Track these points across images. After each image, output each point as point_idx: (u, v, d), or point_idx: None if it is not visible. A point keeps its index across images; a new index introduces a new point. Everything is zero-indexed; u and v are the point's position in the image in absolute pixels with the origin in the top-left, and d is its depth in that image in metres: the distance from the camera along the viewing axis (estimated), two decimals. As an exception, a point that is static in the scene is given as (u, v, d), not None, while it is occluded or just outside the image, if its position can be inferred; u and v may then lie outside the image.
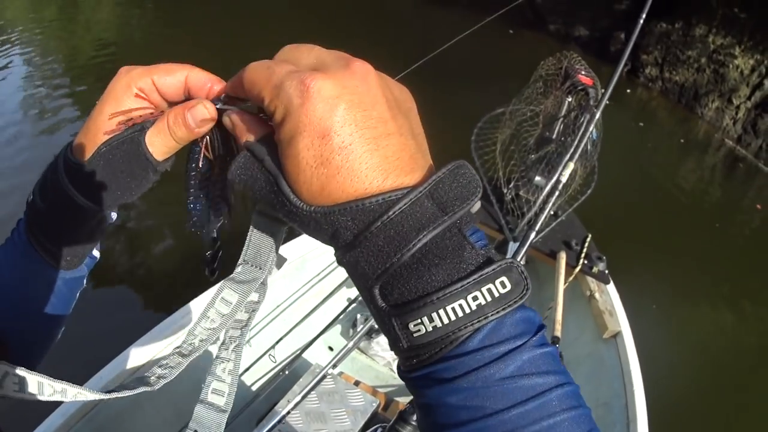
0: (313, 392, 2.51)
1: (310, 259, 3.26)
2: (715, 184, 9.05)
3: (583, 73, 3.10)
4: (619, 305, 3.18)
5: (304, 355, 2.89)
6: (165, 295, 4.51)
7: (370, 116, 0.44)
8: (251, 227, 0.59)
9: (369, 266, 0.44)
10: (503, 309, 0.42)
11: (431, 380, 0.44)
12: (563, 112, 3.17)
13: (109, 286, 4.57)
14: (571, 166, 2.66)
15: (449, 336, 0.42)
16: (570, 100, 3.15)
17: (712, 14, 10.76)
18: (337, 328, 3.42)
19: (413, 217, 0.43)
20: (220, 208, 0.65)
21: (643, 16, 2.71)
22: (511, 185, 3.27)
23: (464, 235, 0.44)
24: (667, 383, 4.08)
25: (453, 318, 0.41)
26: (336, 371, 2.70)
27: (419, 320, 0.42)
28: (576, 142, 2.68)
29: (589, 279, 3.30)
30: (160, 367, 0.61)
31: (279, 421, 2.38)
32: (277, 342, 2.94)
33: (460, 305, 0.41)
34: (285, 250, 3.10)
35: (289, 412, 2.41)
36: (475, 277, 0.42)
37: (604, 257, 3.31)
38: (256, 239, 0.59)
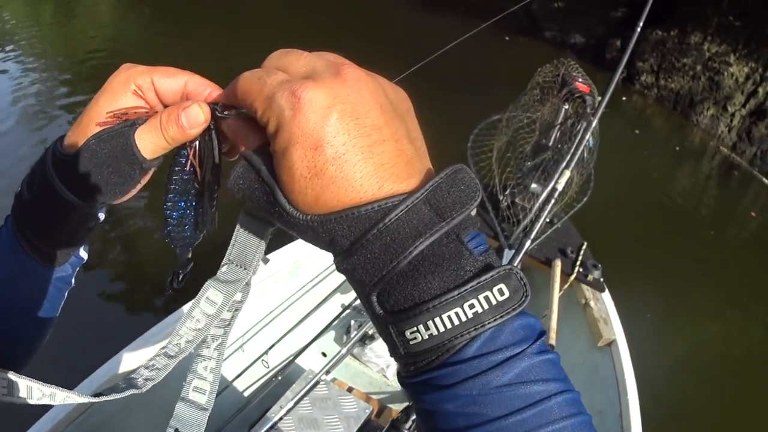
0: (306, 398, 2.51)
1: (303, 264, 3.25)
2: (710, 191, 9.08)
3: (580, 80, 3.10)
4: (614, 313, 3.18)
5: (298, 360, 2.88)
6: (157, 300, 4.50)
7: (363, 124, 0.44)
8: (237, 227, 0.58)
9: (366, 274, 0.44)
10: (501, 317, 0.41)
11: (429, 387, 0.43)
12: (560, 119, 3.17)
13: (101, 291, 4.56)
14: (567, 173, 2.65)
15: (445, 344, 0.41)
16: (567, 107, 3.15)
17: (708, 22, 10.81)
18: (331, 334, 3.41)
19: (409, 224, 0.42)
20: (198, 221, 0.64)
21: (641, 24, 2.71)
22: (507, 192, 3.27)
23: (462, 241, 0.43)
24: (661, 392, 4.08)
25: (449, 326, 0.41)
26: (329, 377, 2.69)
27: (415, 328, 0.42)
28: (572, 150, 2.67)
29: (584, 287, 3.29)
30: (147, 369, 0.60)
31: (271, 427, 2.37)
32: (270, 347, 2.92)
33: (456, 313, 0.41)
34: (279, 255, 3.09)
35: (281, 418, 2.41)
36: (472, 284, 0.41)
37: (600, 265, 3.31)
38: (242, 239, 0.58)
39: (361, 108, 0.44)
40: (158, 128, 0.57)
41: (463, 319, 0.41)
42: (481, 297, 0.41)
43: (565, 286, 3.19)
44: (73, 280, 0.77)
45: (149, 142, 0.58)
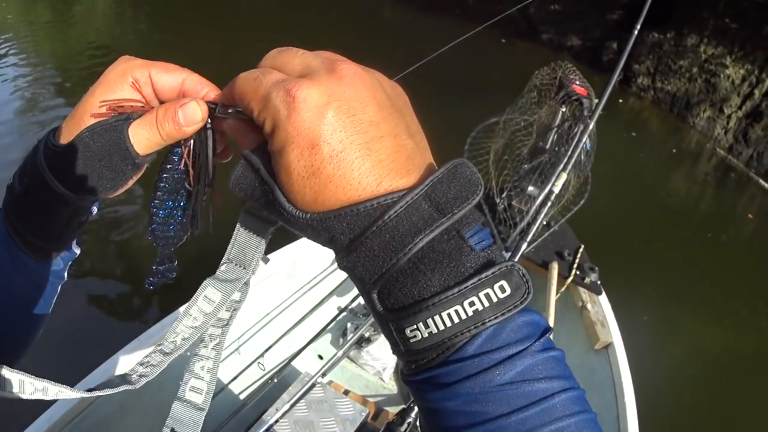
0: (302, 401, 2.50)
1: (300, 267, 3.25)
2: (706, 193, 9.08)
3: (577, 83, 3.10)
4: (611, 316, 3.18)
5: (294, 363, 2.87)
6: (154, 301, 4.49)
7: (361, 120, 0.44)
8: (238, 226, 0.58)
9: (366, 271, 0.44)
10: (502, 314, 0.41)
11: (431, 385, 0.43)
12: (557, 122, 3.17)
13: (97, 292, 4.55)
14: (564, 176, 2.65)
15: (446, 342, 0.41)
16: (564, 110, 3.15)
17: (704, 24, 10.82)
18: (327, 337, 3.41)
19: (409, 220, 0.42)
20: (185, 222, 0.63)
21: (638, 26, 2.71)
22: (504, 195, 3.27)
23: (463, 237, 0.43)
24: (658, 394, 4.08)
25: (449, 324, 0.41)
26: (325, 380, 2.69)
27: (415, 326, 0.42)
28: (569, 152, 2.67)
29: (581, 290, 3.29)
30: (142, 365, 0.60)
31: (267, 430, 2.37)
32: (267, 350, 2.92)
33: (456, 311, 0.41)
34: (276, 257, 3.08)
35: (277, 421, 2.40)
36: (472, 281, 0.41)
37: (597, 268, 3.31)
38: (242, 238, 0.58)
39: (357, 104, 0.44)
40: (154, 124, 0.56)
41: (464, 317, 0.41)
42: (481, 294, 0.41)
43: (562, 289, 3.19)
44: (65, 274, 0.76)
45: (143, 138, 0.57)
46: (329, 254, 3.08)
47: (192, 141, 0.58)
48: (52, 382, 0.56)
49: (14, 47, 8.99)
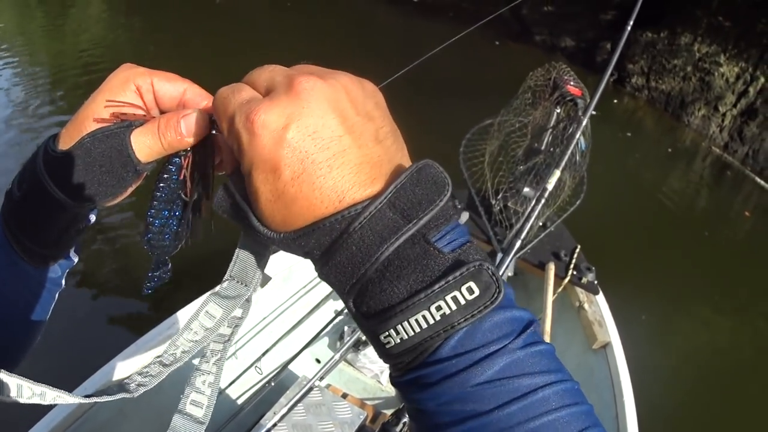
0: (300, 404, 2.49)
1: (296, 270, 3.25)
2: (703, 192, 9.10)
3: (572, 83, 3.11)
4: (608, 316, 3.18)
5: (291, 367, 2.86)
6: (150, 307, 4.48)
7: (321, 137, 0.44)
8: (238, 245, 0.58)
9: (338, 282, 0.45)
10: (472, 316, 0.41)
11: (415, 385, 0.44)
12: (552, 123, 3.17)
13: (94, 298, 4.54)
14: (557, 173, 2.66)
15: (417, 347, 0.42)
16: (559, 111, 3.15)
17: (697, 23, 10.85)
18: (324, 340, 3.40)
19: (374, 230, 0.43)
20: (181, 231, 0.64)
21: (631, 22, 2.72)
22: (500, 196, 3.27)
23: (429, 241, 0.43)
24: (657, 394, 4.08)
25: (417, 330, 0.41)
26: (323, 383, 2.69)
27: (387, 333, 0.42)
28: (563, 150, 2.68)
29: (578, 290, 3.29)
30: (140, 375, 0.60)
31: (266, 434, 2.36)
32: (264, 354, 2.91)
33: (424, 316, 0.41)
34: (272, 261, 3.07)
35: (275, 425, 2.39)
36: (438, 285, 0.41)
37: (593, 268, 3.32)
38: (243, 256, 0.58)
39: (317, 120, 0.44)
40: (156, 132, 0.57)
41: (431, 321, 0.41)
42: (448, 297, 0.41)
43: (559, 290, 3.19)
44: (63, 282, 0.76)
45: (145, 146, 0.58)
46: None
47: (191, 153, 0.58)
48: (50, 387, 0.55)
49: (7, 54, 8.98)
